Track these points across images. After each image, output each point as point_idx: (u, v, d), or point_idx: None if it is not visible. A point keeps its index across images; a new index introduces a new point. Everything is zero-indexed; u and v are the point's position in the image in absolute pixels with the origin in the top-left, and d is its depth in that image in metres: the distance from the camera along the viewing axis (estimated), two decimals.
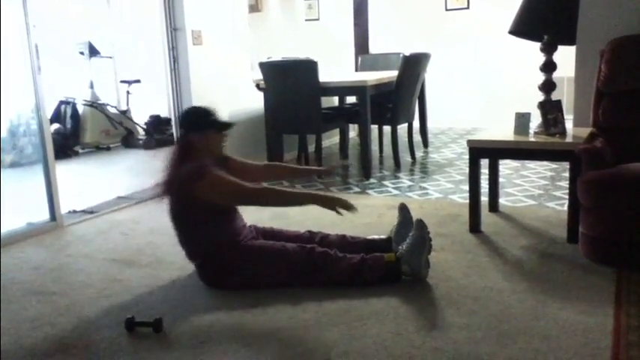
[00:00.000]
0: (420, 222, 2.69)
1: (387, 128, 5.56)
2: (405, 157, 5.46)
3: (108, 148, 6.90)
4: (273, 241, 2.76)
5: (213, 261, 2.68)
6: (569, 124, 3.35)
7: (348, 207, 2.60)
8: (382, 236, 2.94)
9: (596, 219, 2.72)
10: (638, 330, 2.14)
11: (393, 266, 2.63)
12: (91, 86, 7.03)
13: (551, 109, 3.23)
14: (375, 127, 5.67)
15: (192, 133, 2.70)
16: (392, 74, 5.10)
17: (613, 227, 2.69)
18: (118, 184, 4.92)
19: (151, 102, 7.21)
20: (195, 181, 2.56)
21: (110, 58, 7.48)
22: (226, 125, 2.80)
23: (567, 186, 3.18)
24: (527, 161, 4.99)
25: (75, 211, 4.09)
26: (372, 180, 4.75)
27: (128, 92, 7.22)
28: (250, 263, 2.66)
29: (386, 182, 4.67)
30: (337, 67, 6.47)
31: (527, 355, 2.02)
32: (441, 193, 4.26)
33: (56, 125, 6.53)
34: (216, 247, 2.66)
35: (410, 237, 2.67)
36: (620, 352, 2.00)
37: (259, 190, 2.68)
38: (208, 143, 2.72)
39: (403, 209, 2.94)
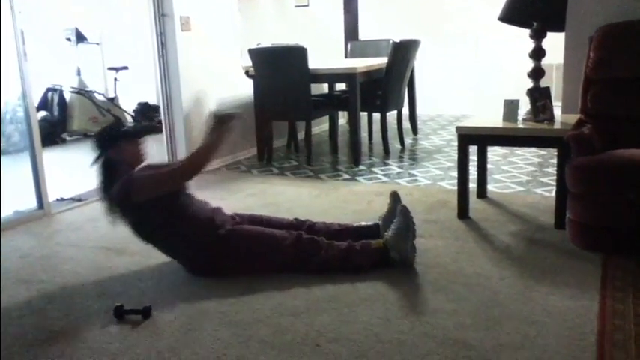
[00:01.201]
0: (404, 208, 2.72)
1: (376, 115, 5.56)
2: (395, 144, 5.46)
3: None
4: (261, 227, 2.76)
5: (194, 252, 2.67)
6: (557, 111, 3.36)
7: (230, 118, 2.74)
8: (369, 223, 2.95)
9: (584, 205, 2.74)
10: (623, 314, 2.17)
11: (381, 252, 2.65)
12: (78, 73, 6.97)
13: (539, 96, 3.24)
14: (364, 115, 5.66)
15: (109, 151, 2.72)
16: (382, 61, 5.09)
17: (600, 213, 2.72)
18: None
19: (139, 89, 7.16)
20: (129, 194, 2.58)
21: (97, 44, 7.40)
22: (137, 133, 2.83)
23: (555, 172, 3.20)
24: (515, 148, 5.02)
25: (63, 199, 4.06)
26: (361, 167, 4.76)
27: (116, 79, 7.15)
28: (234, 249, 2.66)
29: (375, 169, 4.68)
30: (327, 53, 6.44)
31: (514, 339, 2.04)
32: (430, 179, 4.28)
33: (43, 113, 6.47)
34: (189, 239, 2.65)
35: (394, 223, 2.70)
36: (605, 336, 2.02)
37: (175, 168, 2.70)
38: (126, 155, 2.73)
39: (395, 197, 2.96)
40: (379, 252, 2.66)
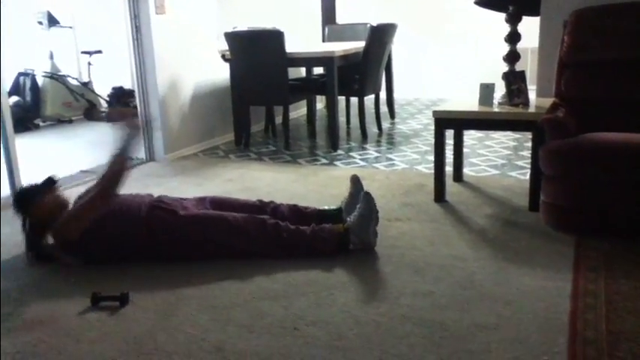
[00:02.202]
0: (367, 195, 2.75)
1: (354, 99, 5.56)
2: (372, 129, 5.47)
3: (70, 121, 6.75)
4: (221, 212, 2.75)
5: (153, 244, 2.66)
6: (532, 95, 3.40)
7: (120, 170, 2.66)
8: (332, 207, 2.97)
9: (557, 187, 2.79)
10: (594, 294, 2.22)
11: (341, 237, 2.67)
12: (51, 57, 6.83)
13: (515, 80, 3.27)
14: (342, 99, 5.66)
15: (32, 210, 2.72)
16: (359, 45, 5.08)
17: (573, 195, 2.76)
18: (80, 157, 4.82)
19: (113, 73, 7.05)
20: (62, 236, 2.63)
21: (70, 28, 7.26)
22: (46, 183, 2.82)
23: (530, 156, 3.24)
24: (491, 131, 5.07)
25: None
26: (339, 151, 4.76)
27: (89, 63, 7.03)
28: (197, 234, 2.64)
29: (353, 153, 4.69)
30: (304, 37, 6.40)
31: (489, 319, 2.08)
32: (407, 163, 4.30)
33: (15, 98, 6.34)
34: (136, 236, 2.64)
35: (357, 209, 2.73)
36: (577, 315, 2.07)
37: (66, 215, 2.68)
38: (47, 207, 2.72)
39: (356, 181, 2.98)
40: (341, 236, 2.68)
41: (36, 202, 2.74)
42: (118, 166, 2.64)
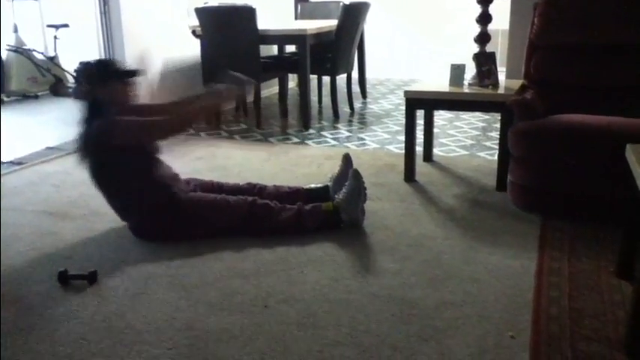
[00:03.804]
0: (356, 172, 2.75)
1: (326, 78, 5.54)
2: (344, 108, 5.47)
3: (36, 97, 6.58)
4: (214, 194, 2.75)
5: (148, 216, 2.64)
6: (502, 76, 3.43)
7: (231, 95, 2.75)
8: (319, 184, 2.97)
9: (524, 168, 2.84)
10: (559, 272, 2.28)
11: (331, 215, 2.68)
12: (15, 30, 6.62)
13: (485, 61, 3.30)
14: (314, 78, 5.63)
15: (97, 88, 2.60)
16: (331, 23, 5.04)
17: (539, 176, 2.82)
18: (47, 134, 4.72)
19: (80, 48, 6.87)
20: (110, 135, 2.50)
21: (35, 0, 7.04)
22: (129, 73, 2.70)
23: (498, 137, 3.29)
24: (461, 112, 5.11)
25: (2, 163, 3.91)
26: (311, 130, 4.75)
27: (56, 37, 6.84)
28: (190, 216, 2.64)
29: (325, 133, 4.69)
30: (276, 14, 6.33)
31: (457, 297, 2.12)
32: (379, 143, 4.32)
33: None
34: (146, 200, 2.62)
35: (346, 186, 2.73)
36: (541, 293, 2.13)
37: (162, 120, 2.64)
38: (115, 95, 2.62)
39: (347, 159, 2.98)
40: (329, 214, 2.69)
41: (109, 82, 2.60)
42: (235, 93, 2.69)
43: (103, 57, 2.72)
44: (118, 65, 2.70)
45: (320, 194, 2.89)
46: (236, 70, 4.79)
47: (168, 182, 2.69)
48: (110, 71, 2.66)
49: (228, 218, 2.66)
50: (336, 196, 2.76)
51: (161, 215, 2.63)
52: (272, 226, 2.66)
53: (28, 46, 6.68)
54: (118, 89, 2.64)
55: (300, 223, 2.67)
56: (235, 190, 2.89)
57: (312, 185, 2.99)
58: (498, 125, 3.29)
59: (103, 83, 2.61)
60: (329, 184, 2.94)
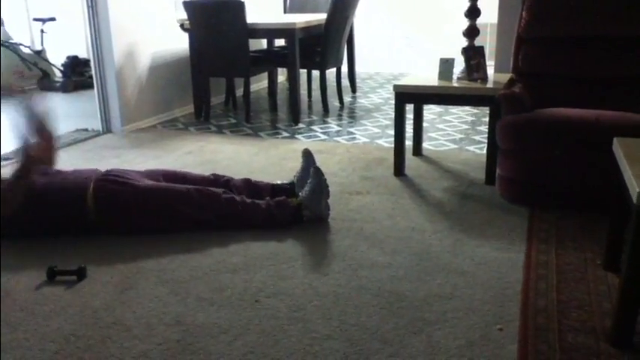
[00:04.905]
0: (317, 170, 2.79)
1: (315, 73, 5.53)
2: (334, 102, 5.47)
3: (22, 91, 6.52)
4: (175, 184, 2.74)
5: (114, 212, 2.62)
6: (490, 70, 3.45)
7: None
8: (285, 181, 3.00)
9: (512, 161, 2.86)
10: (546, 264, 2.30)
11: (295, 210, 2.72)
12: (1, 24, 6.56)
13: (474, 55, 3.30)
14: (303, 72, 5.62)
15: None
16: (321, 17, 5.03)
17: (527, 169, 2.84)
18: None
19: (67, 42, 6.82)
20: None
21: None
22: None
23: (487, 130, 3.30)
24: (450, 106, 5.12)
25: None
26: (300, 125, 4.75)
27: (42, 31, 6.78)
28: (145, 206, 2.63)
29: (314, 127, 4.68)
30: (265, 8, 6.31)
31: (445, 289, 2.14)
32: (368, 137, 4.33)
33: None
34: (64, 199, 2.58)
35: (308, 184, 2.77)
36: (529, 285, 2.14)
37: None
38: None
39: (307, 155, 3.00)
40: (295, 209, 2.72)
41: None
42: (43, 142, 2.20)
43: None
44: None
45: (286, 190, 2.91)
46: (225, 64, 4.80)
47: (82, 183, 2.63)
48: None
49: (189, 207, 2.64)
50: (300, 194, 2.79)
51: (108, 213, 2.61)
52: (238, 217, 2.67)
53: (15, 39, 6.62)
54: None
55: (267, 217, 2.69)
56: (200, 180, 2.88)
57: (279, 182, 3.00)
58: (487, 119, 3.31)
59: None
60: (294, 181, 2.96)
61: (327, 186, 2.79)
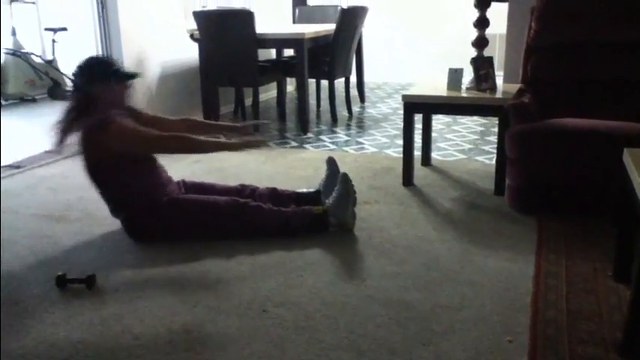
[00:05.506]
0: (345, 176, 2.77)
1: (324, 82, 5.55)
2: (342, 112, 5.48)
3: (34, 100, 6.57)
4: (205, 196, 2.76)
5: (138, 215, 2.64)
6: (499, 81, 3.45)
7: (258, 145, 2.75)
8: (311, 189, 2.98)
9: (521, 171, 2.85)
10: (556, 275, 2.29)
11: (321, 218, 2.70)
12: (13, 33, 6.62)
13: (483, 65, 3.31)
14: (312, 82, 5.64)
15: (93, 85, 2.60)
16: (329, 27, 5.06)
17: (535, 179, 2.83)
18: (45, 137, 4.71)
19: (78, 51, 6.87)
20: (101, 133, 2.49)
21: (33, 3, 7.04)
22: (129, 75, 2.71)
23: (496, 140, 3.29)
24: (458, 116, 5.12)
25: (0, 167, 3.91)
26: (309, 134, 4.76)
27: (54, 40, 6.84)
28: (180, 217, 2.65)
29: (323, 137, 4.69)
30: (274, 18, 6.35)
31: (453, 300, 2.13)
32: (377, 147, 4.33)
33: None
34: (139, 200, 2.62)
35: (335, 191, 2.75)
36: (539, 296, 2.13)
37: (169, 137, 2.60)
38: (111, 95, 2.62)
39: (331, 162, 3.00)
40: (320, 218, 2.70)
41: (103, 80, 2.60)
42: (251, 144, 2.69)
43: (103, 55, 2.69)
44: (118, 66, 2.69)
45: (311, 198, 2.90)
46: (234, 74, 4.83)
47: (162, 184, 2.70)
48: (111, 70, 2.65)
49: (219, 219, 2.66)
50: (326, 201, 2.77)
51: (152, 215, 2.63)
52: (263, 227, 2.67)
53: (26, 49, 6.69)
54: (116, 89, 2.65)
55: (292, 225, 2.68)
56: (227, 191, 2.89)
57: (304, 190, 3.00)
58: (496, 129, 3.30)
59: (102, 80, 2.60)
60: (320, 189, 2.95)
61: (355, 192, 2.77)
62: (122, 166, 2.59)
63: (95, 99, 2.59)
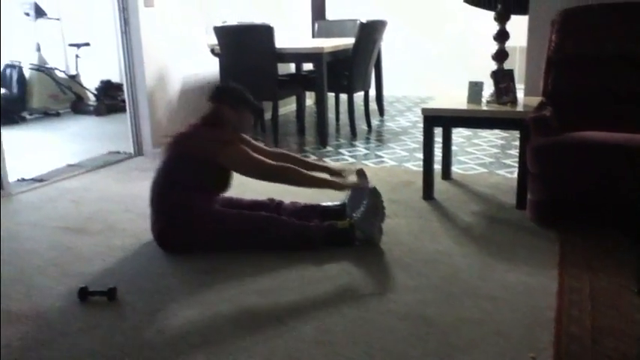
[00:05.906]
0: (374, 190, 2.75)
1: (343, 96, 5.56)
2: (362, 126, 5.48)
3: (57, 114, 6.69)
4: (234, 209, 2.79)
5: (184, 223, 2.68)
6: (520, 94, 3.42)
7: (363, 188, 2.83)
8: (336, 202, 2.97)
9: (542, 185, 2.81)
10: (579, 290, 2.25)
11: (346, 232, 2.68)
12: (38, 49, 6.76)
13: (503, 78, 3.29)
14: (331, 95, 5.66)
15: (227, 108, 2.79)
16: (348, 41, 5.08)
17: (557, 192, 2.79)
18: (67, 151, 4.80)
19: (101, 66, 6.99)
20: (223, 146, 2.68)
21: (58, 19, 7.19)
22: (257, 109, 2.98)
23: (517, 154, 3.26)
24: (479, 130, 5.09)
25: (23, 180, 3.97)
26: (328, 148, 4.77)
27: (77, 56, 6.97)
28: (211, 230, 2.68)
29: (342, 150, 4.69)
30: (294, 33, 6.39)
31: (474, 314, 2.10)
32: (396, 160, 4.32)
33: (1, 90, 6.27)
34: (195, 207, 2.67)
35: (364, 205, 2.73)
36: (562, 312, 2.09)
37: (281, 168, 2.76)
38: (239, 121, 2.83)
39: (361, 175, 2.98)
40: (344, 232, 2.69)
41: (237, 107, 2.82)
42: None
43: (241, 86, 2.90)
44: (250, 98, 2.91)
45: (337, 212, 2.89)
46: (254, 88, 4.85)
47: (215, 199, 2.79)
48: (243, 99, 2.86)
49: (247, 233, 2.68)
50: (354, 214, 2.76)
51: (184, 227, 2.67)
52: (289, 241, 2.67)
53: (50, 64, 6.82)
54: (241, 116, 2.84)
55: (312, 238, 2.68)
56: (254, 205, 2.91)
57: (330, 203, 2.99)
58: (517, 143, 3.27)
59: (233, 105, 2.81)
60: (346, 202, 2.94)
61: (384, 208, 2.77)
62: (206, 177, 2.71)
63: (224, 120, 2.78)
